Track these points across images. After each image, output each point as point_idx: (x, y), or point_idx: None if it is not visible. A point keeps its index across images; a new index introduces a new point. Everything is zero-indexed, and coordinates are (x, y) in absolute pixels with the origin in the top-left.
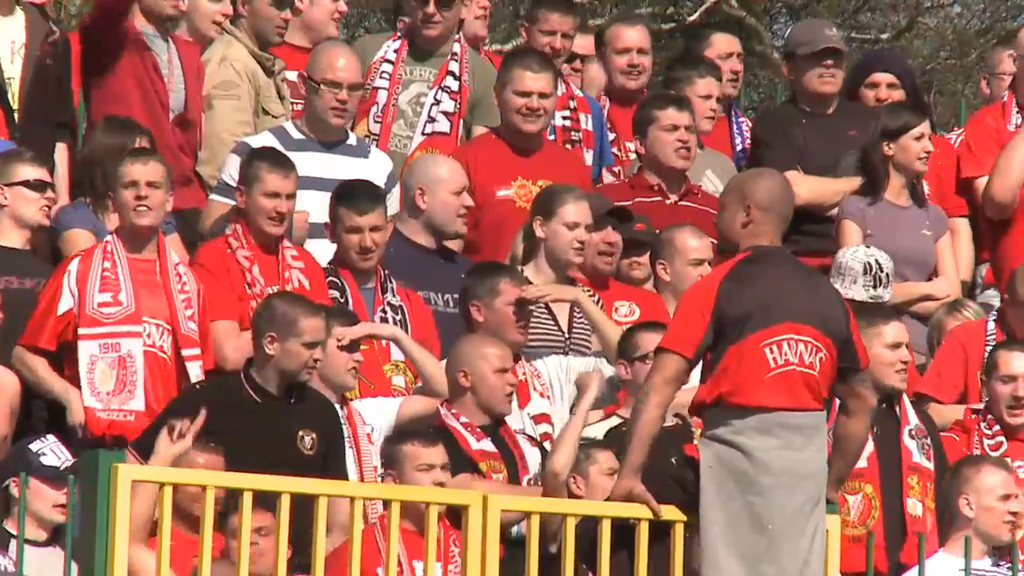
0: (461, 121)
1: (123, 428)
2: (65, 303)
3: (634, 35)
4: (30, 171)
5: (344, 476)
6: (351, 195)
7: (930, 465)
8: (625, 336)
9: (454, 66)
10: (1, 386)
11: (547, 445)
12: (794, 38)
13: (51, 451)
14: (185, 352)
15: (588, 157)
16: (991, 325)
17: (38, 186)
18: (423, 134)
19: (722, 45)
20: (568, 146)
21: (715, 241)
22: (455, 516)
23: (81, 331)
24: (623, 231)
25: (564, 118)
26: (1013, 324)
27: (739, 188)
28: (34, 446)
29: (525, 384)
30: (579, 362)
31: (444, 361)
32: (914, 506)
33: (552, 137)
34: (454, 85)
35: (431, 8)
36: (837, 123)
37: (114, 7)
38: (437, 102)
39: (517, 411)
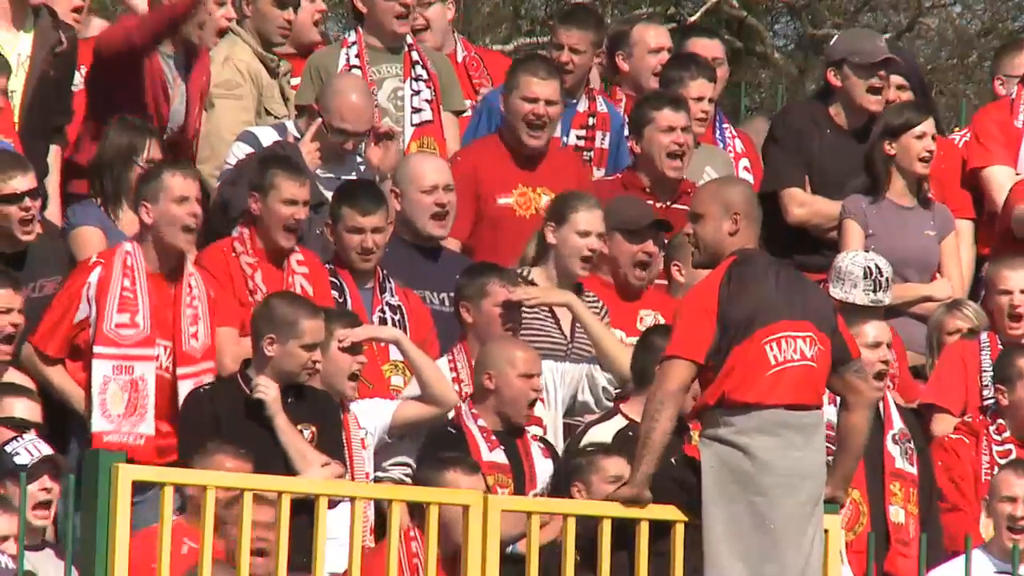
0: (440, 107)
1: (132, 452)
2: (82, 312)
3: (663, 36)
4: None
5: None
6: (354, 195)
7: (913, 470)
8: (647, 340)
9: (415, 55)
10: None
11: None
12: (845, 47)
13: (24, 450)
14: (180, 371)
15: (598, 175)
16: (984, 336)
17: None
18: (413, 125)
19: (695, 49)
20: None
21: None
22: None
23: (96, 349)
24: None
25: (579, 137)
26: (995, 317)
27: (718, 198)
28: (9, 447)
29: None
30: (572, 368)
31: (440, 361)
32: (896, 513)
33: (563, 148)
34: (424, 73)
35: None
36: (858, 143)
37: (140, 48)
38: (416, 92)
39: None
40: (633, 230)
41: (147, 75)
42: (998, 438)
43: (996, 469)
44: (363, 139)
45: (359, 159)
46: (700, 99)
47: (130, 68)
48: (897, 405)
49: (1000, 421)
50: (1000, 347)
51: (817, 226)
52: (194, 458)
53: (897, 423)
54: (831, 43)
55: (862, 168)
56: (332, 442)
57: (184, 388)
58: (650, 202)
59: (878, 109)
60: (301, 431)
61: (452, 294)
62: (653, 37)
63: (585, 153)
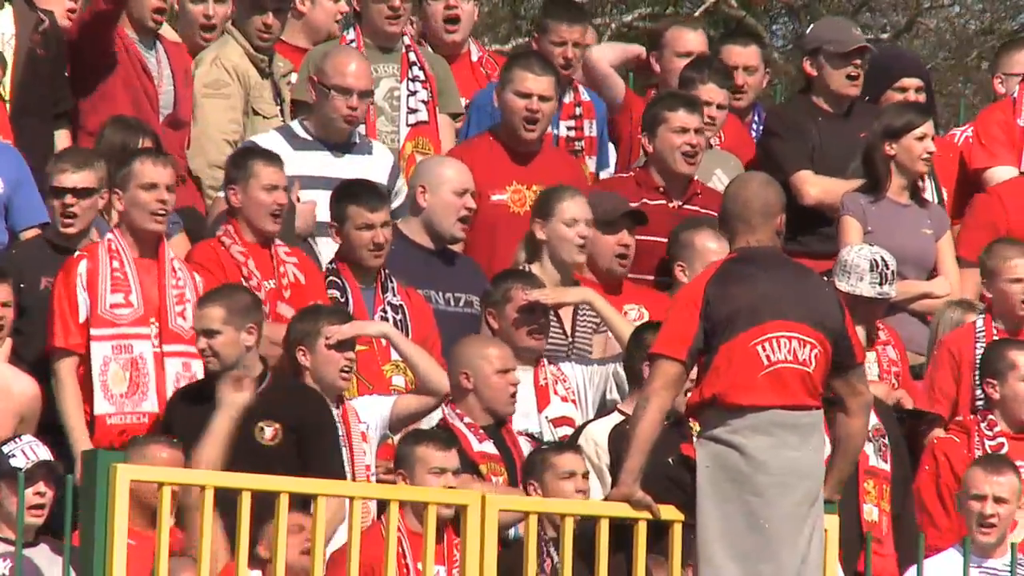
0: (436, 108)
1: (136, 431)
2: (84, 310)
3: (696, 41)
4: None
5: (329, 470)
6: (358, 194)
7: (887, 467)
8: (637, 337)
9: (412, 56)
10: (10, 391)
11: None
12: (820, 35)
13: (21, 452)
14: (166, 348)
15: (591, 164)
16: (980, 323)
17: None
18: (408, 125)
19: (729, 56)
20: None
21: None
22: (458, 521)
23: (94, 331)
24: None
25: (569, 128)
26: (993, 305)
27: (723, 199)
28: (6, 448)
29: (545, 388)
30: (599, 368)
31: (441, 358)
32: (870, 511)
33: (555, 146)
34: (421, 75)
35: (396, 2)
36: (851, 125)
37: (106, 12)
38: (412, 93)
39: (535, 414)
40: (608, 221)
41: (123, 57)
42: (989, 433)
43: None
44: (366, 100)
45: (356, 137)
46: (708, 104)
47: (105, 46)
48: (875, 401)
49: (991, 417)
50: (995, 333)
51: (831, 205)
52: (129, 451)
53: (871, 419)
54: (807, 32)
55: (860, 148)
56: (308, 439)
57: (171, 367)
58: (662, 201)
59: (855, 93)
60: (262, 428)
61: (458, 295)
62: (683, 41)
63: (576, 143)
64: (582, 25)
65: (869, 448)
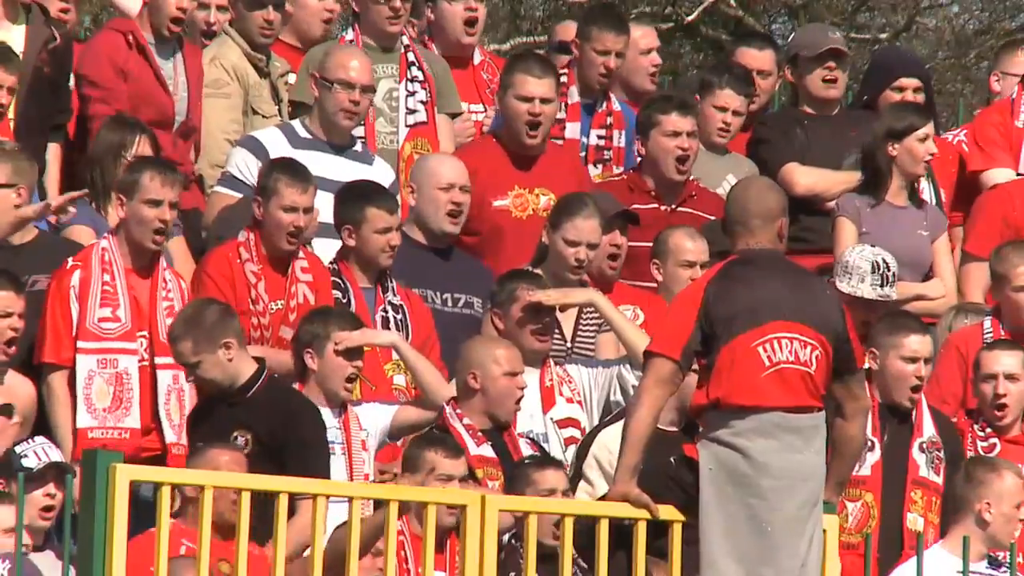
0: (434, 109)
1: (117, 446)
2: (75, 323)
3: (652, 36)
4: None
5: (310, 474)
6: (373, 196)
7: (938, 479)
8: None
9: (411, 57)
10: (16, 394)
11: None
12: (797, 41)
13: (33, 453)
14: (158, 360)
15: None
16: (987, 324)
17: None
18: (407, 126)
19: (744, 59)
20: (598, 166)
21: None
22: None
23: (80, 344)
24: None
25: (599, 137)
26: (1001, 306)
27: (726, 203)
28: (19, 448)
29: (551, 389)
30: (604, 370)
31: (440, 360)
32: (915, 521)
33: (583, 155)
34: (420, 75)
35: (397, 3)
36: (839, 124)
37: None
38: (411, 93)
39: (540, 415)
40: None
41: (135, 69)
42: (982, 434)
43: None
44: (368, 95)
45: (358, 144)
46: (724, 110)
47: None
48: (935, 413)
49: (983, 418)
50: (1003, 334)
51: (821, 194)
52: (192, 458)
53: (928, 431)
54: (788, 41)
55: (851, 145)
56: (284, 446)
57: (163, 378)
58: (653, 205)
59: (836, 95)
60: (236, 438)
61: (457, 296)
62: (643, 38)
63: (605, 152)
64: (628, 36)
65: (921, 459)
